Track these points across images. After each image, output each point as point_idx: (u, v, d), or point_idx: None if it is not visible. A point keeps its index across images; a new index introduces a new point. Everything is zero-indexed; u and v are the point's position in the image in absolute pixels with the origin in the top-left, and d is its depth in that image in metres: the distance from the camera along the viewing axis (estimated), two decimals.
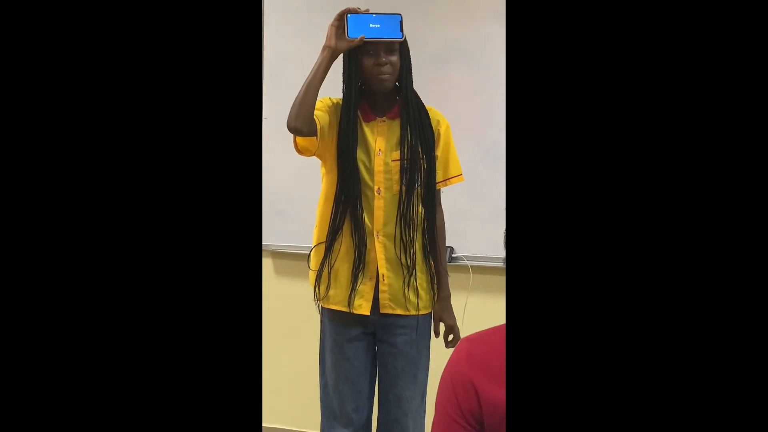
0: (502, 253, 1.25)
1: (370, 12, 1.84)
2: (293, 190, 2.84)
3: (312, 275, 1.97)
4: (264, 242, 2.94)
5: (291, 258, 2.89)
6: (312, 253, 1.97)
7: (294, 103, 1.79)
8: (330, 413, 1.99)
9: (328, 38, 1.81)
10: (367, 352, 1.98)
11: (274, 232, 2.90)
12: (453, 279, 2.11)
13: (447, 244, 2.10)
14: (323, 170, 1.95)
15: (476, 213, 2.61)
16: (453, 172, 1.98)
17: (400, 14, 1.83)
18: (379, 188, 1.89)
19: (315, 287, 1.96)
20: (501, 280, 2.62)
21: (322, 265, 1.92)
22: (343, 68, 1.88)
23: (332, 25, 1.81)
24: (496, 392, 0.99)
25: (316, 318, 2.02)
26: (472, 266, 2.63)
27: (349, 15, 1.81)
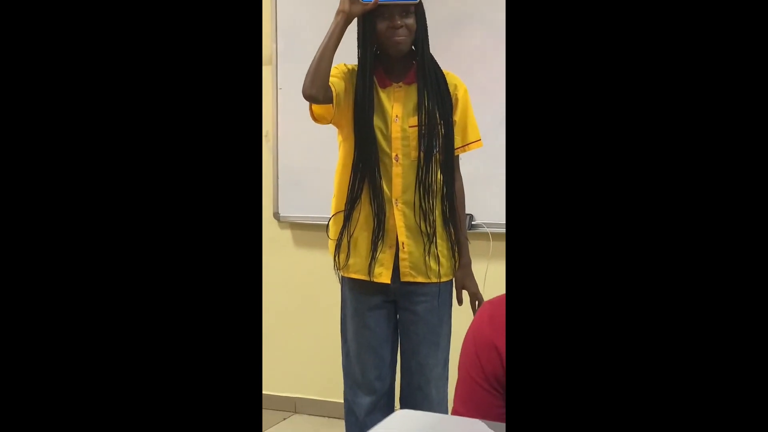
0: None
1: None
2: (309, 160, 2.82)
3: (331, 244, 1.96)
4: (282, 213, 2.93)
5: (309, 228, 2.88)
6: (331, 223, 1.95)
7: (309, 71, 1.76)
8: (353, 381, 1.99)
9: (342, 2, 1.78)
10: (388, 320, 1.98)
11: (292, 204, 2.90)
12: (473, 246, 2.09)
13: (467, 212, 2.08)
14: (340, 138, 1.93)
15: (496, 179, 2.58)
16: (471, 138, 1.95)
17: None
18: (396, 155, 1.86)
19: (335, 256, 1.95)
20: None
21: (341, 234, 1.91)
22: (358, 33, 1.85)
23: None
24: None
25: (337, 287, 2.02)
26: (492, 233, 2.61)
27: None
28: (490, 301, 1.12)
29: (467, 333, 1.12)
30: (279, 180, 2.90)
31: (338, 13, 1.78)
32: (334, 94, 1.80)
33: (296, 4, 2.82)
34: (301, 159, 2.86)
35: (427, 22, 1.85)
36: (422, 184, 1.86)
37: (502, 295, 1.11)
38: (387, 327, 1.97)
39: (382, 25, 1.80)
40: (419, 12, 1.82)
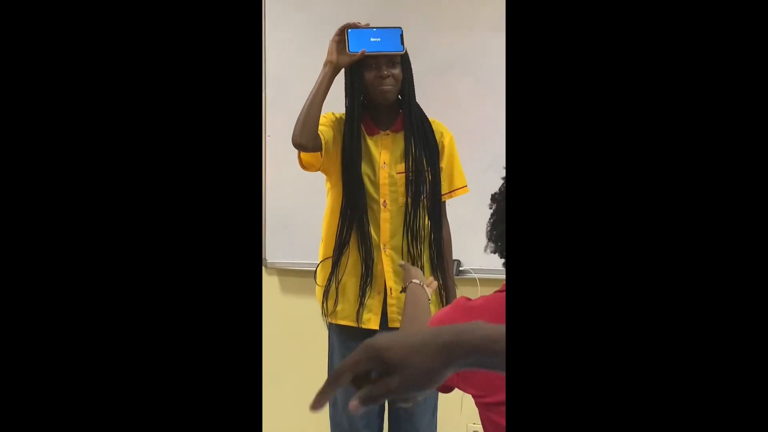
0: None
1: (371, 26, 1.84)
2: (298, 206, 2.83)
3: (319, 291, 1.95)
4: (269, 259, 2.93)
5: (297, 275, 2.87)
6: (319, 269, 1.95)
7: (298, 119, 1.79)
8: (340, 430, 1.96)
9: (330, 53, 1.81)
10: None
11: (280, 249, 2.89)
12: (461, 292, 2.09)
13: (454, 257, 2.08)
14: (328, 185, 1.94)
15: (482, 225, 2.59)
16: (458, 184, 1.97)
17: (400, 28, 1.83)
18: (384, 201, 1.88)
19: (322, 303, 1.94)
20: None
21: (329, 280, 1.91)
22: (345, 82, 1.88)
23: (333, 40, 1.82)
24: None
25: (324, 335, 2.00)
26: (479, 279, 2.61)
27: (349, 30, 1.81)
28: (466, 299, 1.12)
29: (434, 318, 1.13)
30: (266, 226, 2.91)
31: (326, 63, 1.81)
32: (323, 142, 1.82)
33: (285, 54, 2.86)
34: (288, 205, 2.86)
35: (414, 71, 1.89)
36: (410, 229, 1.87)
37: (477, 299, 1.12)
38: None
39: (369, 75, 1.83)
40: (405, 62, 1.86)
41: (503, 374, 0.76)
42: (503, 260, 1.18)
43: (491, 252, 1.17)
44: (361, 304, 1.89)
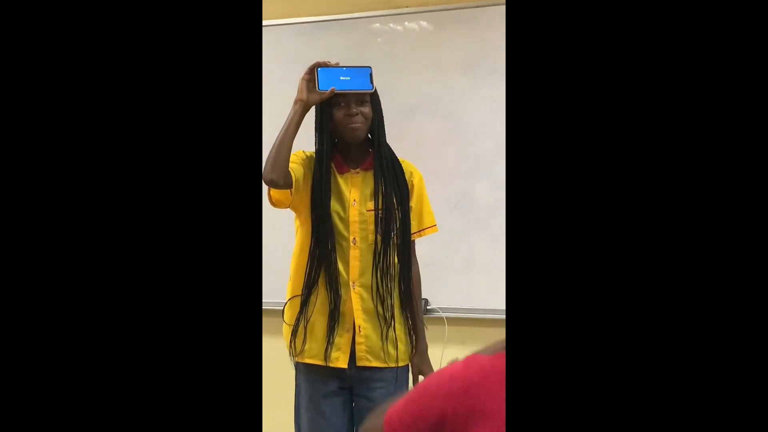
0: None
1: (340, 65, 1.86)
2: (268, 245, 2.81)
3: (286, 330, 1.93)
4: None
5: (265, 314, 2.84)
6: (286, 307, 1.93)
7: (269, 156, 1.79)
8: None
9: (300, 91, 1.82)
10: (344, 407, 1.93)
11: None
12: (429, 331, 2.09)
13: (422, 296, 2.08)
14: (297, 223, 1.94)
15: (449, 264, 2.61)
16: (427, 223, 1.98)
17: (370, 67, 1.85)
18: (354, 238, 1.88)
19: (290, 342, 1.92)
20: (476, 332, 2.60)
21: (297, 319, 1.89)
22: (315, 121, 1.89)
23: (303, 78, 1.83)
24: None
25: (292, 377, 1.97)
26: (447, 318, 2.61)
27: (319, 68, 1.83)
28: (481, 365, 1.07)
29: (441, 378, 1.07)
30: None
31: (296, 101, 1.83)
32: (293, 180, 1.82)
33: None
34: (269, 244, 2.84)
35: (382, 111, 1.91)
36: (379, 267, 1.87)
37: (479, 363, 1.06)
38: (343, 415, 1.93)
39: (338, 113, 1.85)
40: (375, 100, 1.88)
41: None
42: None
43: None
44: (330, 342, 1.87)
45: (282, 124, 1.82)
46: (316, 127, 1.89)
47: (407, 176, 1.93)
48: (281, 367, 2.04)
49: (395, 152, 1.94)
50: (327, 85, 1.81)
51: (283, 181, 1.79)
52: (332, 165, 1.88)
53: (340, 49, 2.71)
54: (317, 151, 1.88)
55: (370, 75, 1.85)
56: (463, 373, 1.05)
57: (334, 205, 1.86)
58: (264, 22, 2.86)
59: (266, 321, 2.81)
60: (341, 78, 1.83)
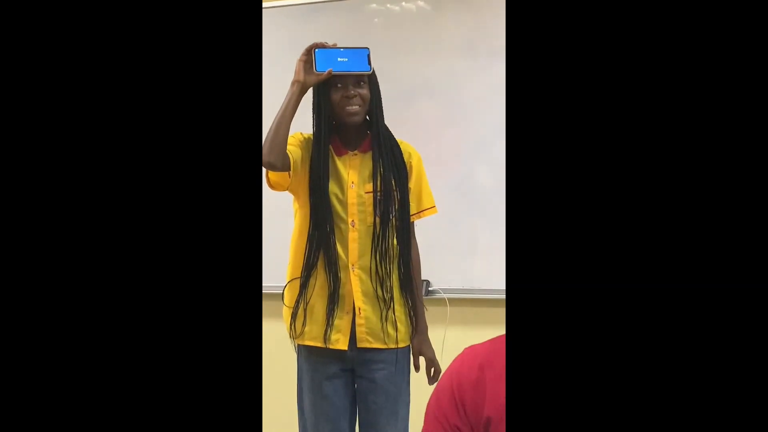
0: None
1: (338, 46, 1.85)
2: (266, 228, 2.81)
3: (286, 312, 1.93)
4: None
5: (265, 298, 2.84)
6: (286, 290, 1.93)
7: (266, 139, 1.78)
8: None
9: (297, 73, 1.81)
10: (346, 389, 1.94)
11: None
12: (430, 312, 2.09)
13: (423, 278, 2.08)
14: (296, 205, 1.93)
15: (450, 245, 2.61)
16: (426, 204, 1.97)
17: (367, 48, 1.84)
18: (353, 221, 1.87)
19: (290, 325, 1.92)
20: (478, 312, 2.61)
21: (297, 301, 1.89)
22: (313, 102, 1.88)
23: (300, 59, 1.82)
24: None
25: (294, 360, 1.98)
26: (449, 299, 2.61)
27: (316, 49, 1.82)
28: (471, 347, 1.08)
29: (443, 379, 1.08)
30: None
31: (293, 83, 1.82)
32: (291, 162, 1.82)
33: None
34: (268, 229, 2.84)
35: (382, 95, 1.90)
36: (378, 249, 1.87)
37: (486, 344, 1.08)
38: (345, 397, 1.94)
39: (336, 95, 1.84)
40: (373, 82, 1.87)
41: None
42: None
43: None
44: (329, 324, 1.88)
45: (272, 105, 1.81)
46: (313, 110, 1.88)
47: (406, 157, 1.92)
48: (282, 349, 2.05)
49: (394, 134, 1.93)
50: (324, 67, 1.80)
51: (281, 164, 1.79)
52: (330, 147, 1.87)
53: (336, 31, 2.69)
54: (315, 134, 1.87)
55: (368, 56, 1.84)
56: (454, 369, 1.07)
57: (333, 187, 1.86)
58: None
59: (266, 304, 2.82)
60: (339, 59, 1.82)
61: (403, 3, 2.71)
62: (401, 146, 1.92)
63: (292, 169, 1.83)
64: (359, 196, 1.88)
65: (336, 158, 1.89)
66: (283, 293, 1.94)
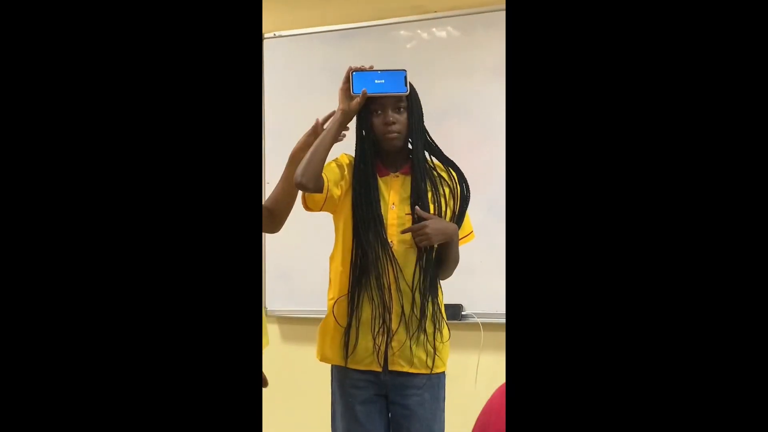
0: None
1: (375, 69, 1.86)
2: (297, 254, 2.81)
3: (323, 332, 1.92)
4: (269, 307, 2.89)
5: (297, 323, 2.84)
6: (335, 307, 1.90)
7: (303, 161, 1.80)
8: None
9: (340, 101, 1.84)
10: (380, 415, 1.91)
11: (278, 297, 2.86)
12: (464, 337, 2.07)
13: (456, 302, 2.04)
14: (338, 224, 1.93)
15: (484, 269, 2.58)
16: (465, 231, 1.96)
17: (404, 70, 1.85)
18: (392, 241, 1.86)
19: (343, 344, 1.88)
20: None
21: (350, 319, 1.86)
22: (356, 128, 1.89)
23: (341, 88, 1.84)
24: None
25: (328, 383, 1.96)
26: (482, 323, 2.58)
27: (354, 72, 1.83)
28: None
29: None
30: (266, 274, 2.88)
31: (338, 110, 1.84)
32: (325, 183, 1.83)
33: (282, 102, 2.90)
34: (287, 254, 2.85)
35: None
36: (415, 273, 1.85)
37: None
38: (379, 422, 1.91)
39: (376, 121, 1.85)
40: (413, 103, 1.87)
41: None
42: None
43: None
44: (374, 346, 1.85)
45: (309, 130, 1.84)
46: (357, 135, 1.89)
47: (450, 182, 1.91)
48: (318, 375, 2.03)
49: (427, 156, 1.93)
50: (360, 89, 1.81)
51: (313, 186, 1.80)
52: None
53: (369, 55, 2.71)
54: (358, 155, 1.88)
55: (405, 77, 1.84)
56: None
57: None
58: (292, 32, 2.88)
59: (302, 329, 2.80)
60: (375, 81, 1.83)
61: (433, 29, 2.72)
62: (439, 169, 1.92)
63: (327, 189, 1.84)
64: (399, 217, 1.87)
65: (378, 179, 1.89)
66: (333, 311, 1.91)
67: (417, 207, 1.84)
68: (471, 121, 2.69)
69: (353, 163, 1.89)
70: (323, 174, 1.82)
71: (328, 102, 1.90)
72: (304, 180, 1.79)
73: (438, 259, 1.89)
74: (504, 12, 2.60)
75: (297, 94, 2.84)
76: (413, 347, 1.86)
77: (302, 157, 1.82)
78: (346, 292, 1.87)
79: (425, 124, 1.92)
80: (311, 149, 1.81)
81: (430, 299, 1.87)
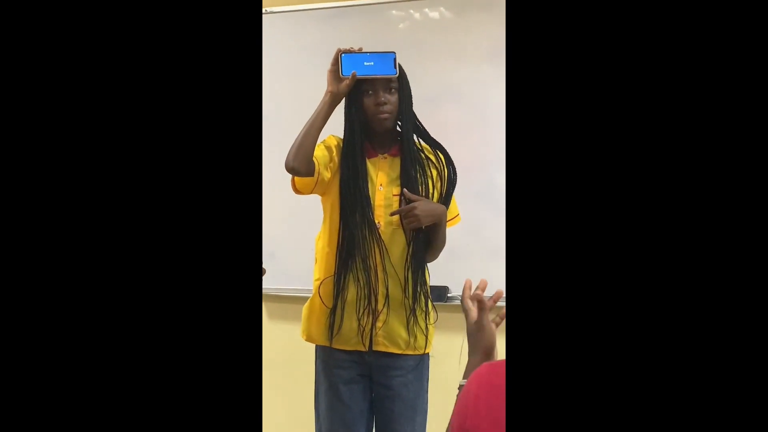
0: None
1: (364, 51, 1.84)
2: (283, 234, 2.81)
3: (307, 312, 1.92)
4: None
5: (285, 301, 2.84)
6: (321, 288, 1.91)
7: (293, 144, 1.79)
8: None
9: (329, 83, 1.82)
10: (363, 395, 1.93)
11: (265, 275, 2.86)
12: (450, 319, 2.08)
13: (442, 284, 2.05)
14: (326, 205, 1.92)
15: (472, 252, 2.59)
16: (451, 214, 1.96)
17: (393, 52, 1.84)
18: (379, 222, 1.87)
19: (329, 324, 1.88)
20: None
21: (335, 299, 1.87)
22: (345, 108, 1.88)
23: (330, 70, 1.83)
24: None
25: (312, 362, 1.97)
26: None
27: (342, 54, 1.82)
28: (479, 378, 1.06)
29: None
30: None
31: (327, 93, 1.82)
32: (316, 167, 1.82)
33: (278, 78, 2.87)
34: (274, 233, 2.84)
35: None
36: (402, 254, 1.86)
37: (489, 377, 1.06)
38: (362, 402, 1.93)
39: (368, 101, 1.84)
40: (403, 85, 1.87)
41: None
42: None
43: None
44: (360, 326, 1.86)
45: (298, 110, 1.83)
46: (345, 116, 1.88)
47: (437, 165, 1.91)
48: (304, 355, 2.04)
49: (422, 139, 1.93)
50: (349, 71, 1.80)
51: (305, 170, 1.80)
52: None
53: (361, 35, 2.69)
54: (347, 137, 1.87)
55: (394, 60, 1.83)
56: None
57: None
58: (282, 8, 2.85)
59: (287, 308, 2.81)
60: (365, 63, 1.82)
61: (426, 10, 2.70)
62: (439, 154, 1.91)
63: (318, 172, 1.83)
64: (387, 198, 1.88)
65: (366, 160, 1.88)
66: (318, 292, 1.91)
67: (405, 189, 1.84)
68: (464, 105, 2.68)
69: (341, 144, 1.88)
70: (315, 158, 1.81)
71: (318, 80, 1.89)
72: (296, 164, 1.78)
73: (425, 240, 1.90)
74: None
75: (287, 72, 2.82)
76: (398, 328, 1.87)
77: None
78: (332, 273, 1.87)
79: (416, 105, 1.91)
80: (301, 133, 1.80)
81: (416, 281, 1.88)
